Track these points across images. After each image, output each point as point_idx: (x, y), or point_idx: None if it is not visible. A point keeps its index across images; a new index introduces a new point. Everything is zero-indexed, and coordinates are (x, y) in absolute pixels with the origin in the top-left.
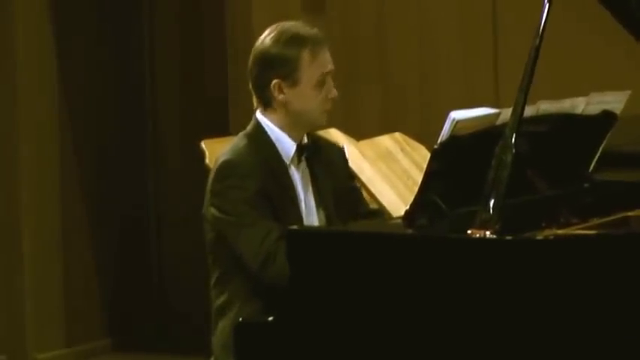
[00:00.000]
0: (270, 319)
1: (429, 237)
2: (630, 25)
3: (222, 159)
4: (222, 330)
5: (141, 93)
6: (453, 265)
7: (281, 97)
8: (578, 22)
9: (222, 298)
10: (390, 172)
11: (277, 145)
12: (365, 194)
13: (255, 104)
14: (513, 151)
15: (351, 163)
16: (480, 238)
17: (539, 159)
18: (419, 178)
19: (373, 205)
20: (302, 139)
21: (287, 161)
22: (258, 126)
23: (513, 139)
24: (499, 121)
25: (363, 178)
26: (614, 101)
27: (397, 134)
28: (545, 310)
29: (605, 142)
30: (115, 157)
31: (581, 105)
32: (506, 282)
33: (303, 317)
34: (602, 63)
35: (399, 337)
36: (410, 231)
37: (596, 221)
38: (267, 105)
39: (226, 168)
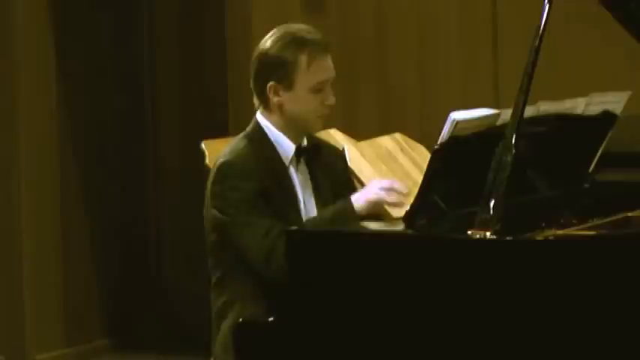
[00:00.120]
0: (270, 319)
1: (429, 237)
2: (631, 26)
3: (221, 160)
4: (222, 331)
5: (141, 93)
6: (453, 266)
7: (276, 99)
8: (578, 23)
9: (222, 299)
10: (390, 173)
11: (277, 146)
12: None
13: (255, 104)
14: (513, 151)
15: (350, 164)
16: (480, 239)
17: (540, 159)
18: (419, 178)
19: None
20: (301, 140)
21: (286, 162)
22: (258, 127)
23: (513, 140)
24: (499, 122)
25: (363, 178)
26: (614, 101)
27: (397, 134)
28: (545, 310)
29: (605, 143)
30: (114, 157)
31: (581, 105)
32: (506, 282)
33: (303, 317)
34: (602, 63)
35: (399, 337)
36: (410, 231)
37: (596, 221)
38: (265, 106)
39: (226, 169)
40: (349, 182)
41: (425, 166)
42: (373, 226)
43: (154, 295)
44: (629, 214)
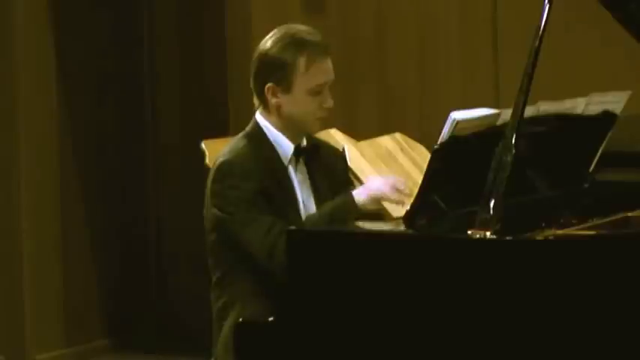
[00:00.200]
0: (270, 319)
1: (429, 237)
2: (631, 26)
3: (220, 159)
4: (224, 331)
5: (141, 93)
6: (453, 266)
7: (274, 100)
8: (578, 23)
9: (222, 300)
10: (390, 173)
11: (276, 146)
12: None
13: (255, 104)
14: (513, 151)
15: (350, 163)
16: (480, 239)
17: (540, 159)
18: (419, 178)
19: None
20: (300, 141)
21: (285, 162)
22: (257, 127)
23: (513, 140)
24: (499, 122)
25: (363, 178)
26: (614, 101)
27: (397, 134)
28: (544, 310)
29: (605, 143)
30: (114, 157)
31: (581, 105)
32: (506, 282)
33: (303, 317)
34: (602, 63)
35: (399, 337)
36: (410, 231)
37: (596, 221)
38: (264, 106)
39: (225, 168)
40: (349, 182)
41: (425, 166)
42: (373, 226)
43: (154, 295)
44: (629, 214)
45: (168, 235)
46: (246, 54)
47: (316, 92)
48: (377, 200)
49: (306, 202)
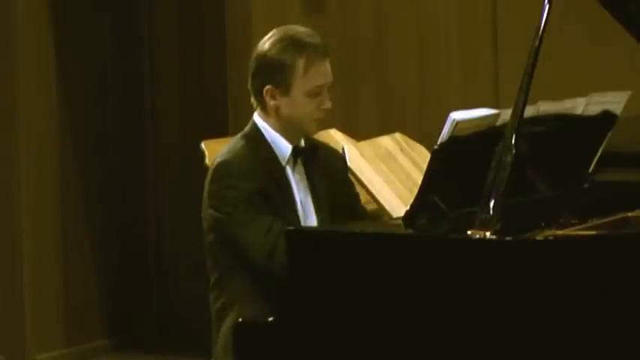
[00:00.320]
0: (270, 319)
1: (429, 237)
2: (631, 26)
3: (218, 160)
4: (223, 332)
5: (141, 93)
6: (453, 266)
7: (273, 102)
8: (578, 23)
9: (221, 300)
10: (389, 173)
11: (274, 146)
12: (364, 194)
13: (254, 105)
14: (513, 151)
15: (350, 163)
16: (480, 239)
17: (540, 159)
18: (419, 178)
19: (373, 206)
20: (298, 141)
21: (283, 163)
22: (255, 127)
23: (513, 140)
24: (499, 122)
25: (363, 178)
26: (614, 101)
27: (397, 134)
28: (544, 310)
29: (605, 143)
30: (114, 157)
31: (581, 105)
32: (506, 282)
33: (302, 317)
34: (602, 63)
35: (399, 337)
36: (410, 231)
37: (596, 221)
38: (262, 107)
39: (223, 168)
40: (348, 181)
41: (425, 166)
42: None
43: (154, 295)
44: (629, 214)
45: (168, 235)
46: (246, 54)
47: (315, 94)
48: None
49: (304, 203)
